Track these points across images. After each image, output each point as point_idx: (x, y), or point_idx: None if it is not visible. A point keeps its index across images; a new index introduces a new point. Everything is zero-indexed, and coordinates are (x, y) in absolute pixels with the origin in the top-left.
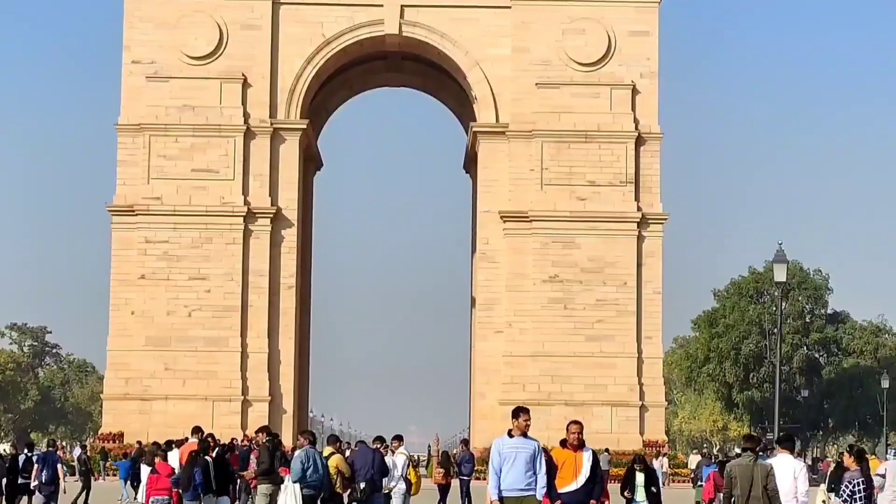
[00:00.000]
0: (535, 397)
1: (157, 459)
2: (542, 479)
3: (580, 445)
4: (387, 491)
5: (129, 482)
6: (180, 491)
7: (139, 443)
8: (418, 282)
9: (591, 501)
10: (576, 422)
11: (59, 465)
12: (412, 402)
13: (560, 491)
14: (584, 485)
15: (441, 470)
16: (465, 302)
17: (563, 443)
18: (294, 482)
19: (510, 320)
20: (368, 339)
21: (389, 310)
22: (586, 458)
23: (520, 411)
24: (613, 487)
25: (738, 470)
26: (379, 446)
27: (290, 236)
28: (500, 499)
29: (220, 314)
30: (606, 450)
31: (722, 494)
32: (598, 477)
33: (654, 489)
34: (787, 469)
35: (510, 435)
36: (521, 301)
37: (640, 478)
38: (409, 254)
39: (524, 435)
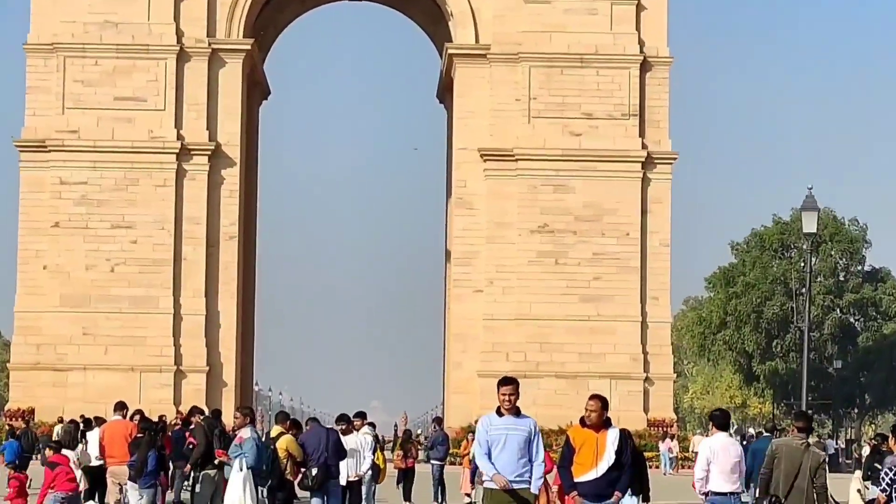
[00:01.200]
0: (521, 368)
1: (48, 452)
2: (538, 468)
3: (604, 424)
4: (356, 477)
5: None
6: (130, 478)
7: (27, 422)
8: (384, 232)
9: (615, 493)
10: (596, 396)
11: None
12: (376, 375)
13: (577, 480)
14: (606, 472)
15: (400, 452)
16: (439, 256)
17: (583, 421)
18: (250, 468)
19: (491, 277)
20: (324, 299)
21: (349, 265)
22: (611, 440)
23: (501, 383)
24: None
25: (785, 450)
26: (343, 427)
27: (232, 177)
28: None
29: (149, 269)
30: None
31: (759, 474)
32: (625, 463)
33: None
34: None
35: (499, 413)
36: (504, 255)
37: None
38: (372, 198)
39: (516, 413)
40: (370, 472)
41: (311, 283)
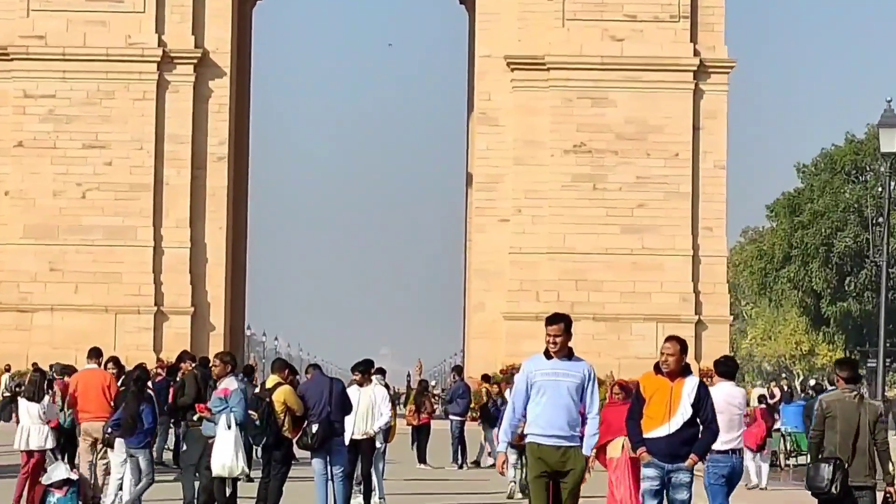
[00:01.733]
0: (553, 309)
1: None
2: (592, 423)
3: (681, 371)
4: (364, 435)
5: None
6: (118, 436)
7: None
8: (395, 154)
9: (692, 456)
10: (673, 338)
11: None
12: (385, 318)
13: (646, 435)
14: (680, 429)
15: (412, 406)
16: (459, 180)
17: (658, 367)
18: (239, 425)
19: (519, 205)
20: (327, 232)
21: (356, 192)
22: (687, 391)
23: (549, 321)
24: None
25: (840, 407)
26: (359, 377)
27: (221, 90)
28: (517, 445)
29: (126, 195)
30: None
31: (809, 437)
32: (706, 417)
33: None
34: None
35: (547, 355)
36: (534, 178)
37: None
38: (382, 115)
39: (568, 355)
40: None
41: (312, 213)
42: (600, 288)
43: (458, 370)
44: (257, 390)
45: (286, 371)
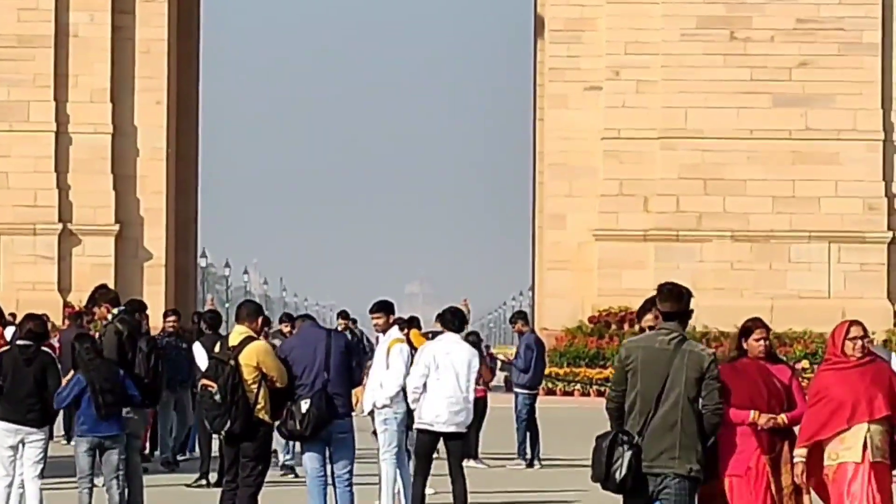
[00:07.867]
0: (671, 223)
1: None
2: None
3: None
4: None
5: None
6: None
7: None
8: None
9: None
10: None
11: None
12: (412, 240)
13: None
14: None
15: None
16: (525, 26)
17: None
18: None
19: (616, 64)
20: (321, 105)
21: (368, 40)
22: None
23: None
24: None
25: (644, 355)
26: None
27: None
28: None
29: (12, 54)
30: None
31: (606, 400)
32: None
33: None
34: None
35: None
36: (639, 23)
37: None
38: None
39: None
40: (402, 406)
41: (300, 78)
42: (742, 191)
43: (523, 317)
44: (217, 349)
45: (259, 320)
